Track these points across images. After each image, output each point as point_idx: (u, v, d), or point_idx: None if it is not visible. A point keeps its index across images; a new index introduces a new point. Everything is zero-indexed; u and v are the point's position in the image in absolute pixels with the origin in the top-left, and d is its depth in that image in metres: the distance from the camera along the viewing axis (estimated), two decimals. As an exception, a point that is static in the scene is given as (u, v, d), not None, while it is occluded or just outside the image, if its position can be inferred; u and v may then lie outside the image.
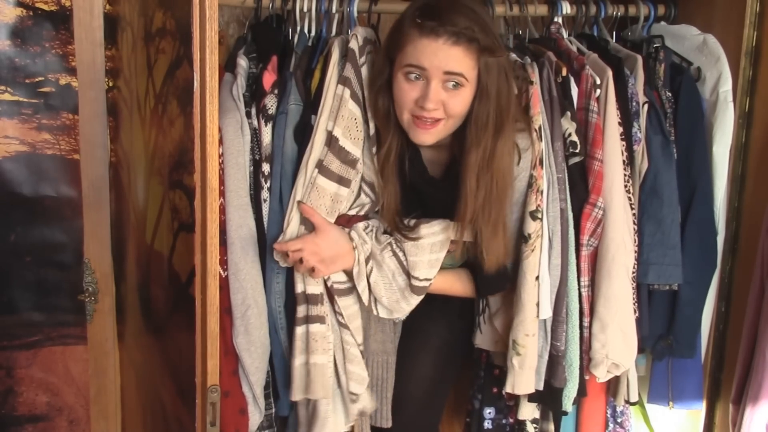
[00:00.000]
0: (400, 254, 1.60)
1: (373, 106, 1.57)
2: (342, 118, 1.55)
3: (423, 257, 1.60)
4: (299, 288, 1.59)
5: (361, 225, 1.61)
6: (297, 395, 1.62)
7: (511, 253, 1.61)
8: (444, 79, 1.47)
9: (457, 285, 1.68)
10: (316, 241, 1.54)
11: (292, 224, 1.57)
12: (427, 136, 1.53)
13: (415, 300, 1.62)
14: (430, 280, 1.61)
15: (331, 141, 1.55)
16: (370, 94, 1.57)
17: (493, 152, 1.52)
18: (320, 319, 1.59)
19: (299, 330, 1.59)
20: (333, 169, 1.56)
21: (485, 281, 1.64)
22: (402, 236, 1.61)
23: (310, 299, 1.59)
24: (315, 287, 1.59)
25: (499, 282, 1.65)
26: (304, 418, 1.67)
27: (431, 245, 1.60)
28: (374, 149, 1.60)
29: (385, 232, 1.63)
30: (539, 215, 1.58)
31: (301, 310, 1.59)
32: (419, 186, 1.64)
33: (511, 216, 1.60)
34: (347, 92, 1.56)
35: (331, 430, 1.65)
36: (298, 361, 1.60)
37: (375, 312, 1.63)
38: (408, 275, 1.60)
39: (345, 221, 1.61)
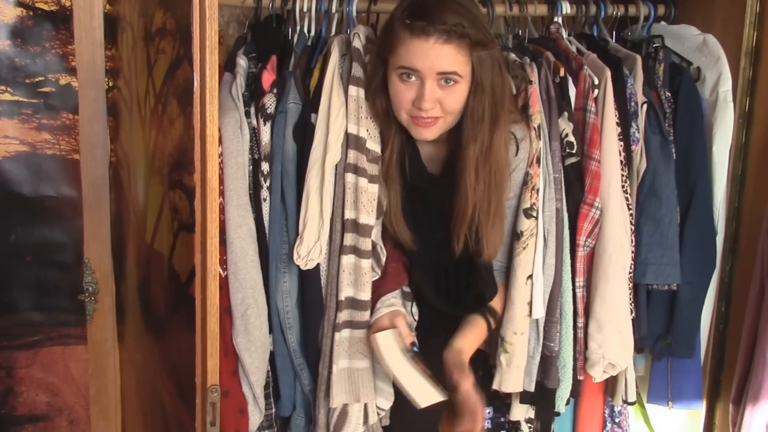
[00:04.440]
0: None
1: (373, 107, 1.57)
2: (362, 119, 1.56)
3: None
4: (346, 293, 1.58)
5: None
6: (339, 400, 1.59)
7: (506, 246, 1.63)
8: (438, 78, 1.47)
9: (480, 326, 1.65)
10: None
11: (310, 226, 1.55)
12: (427, 132, 1.53)
13: None
14: None
15: (358, 143, 1.55)
16: (368, 96, 1.57)
17: (490, 145, 1.53)
18: (367, 325, 1.59)
19: (341, 335, 1.58)
20: (367, 170, 1.56)
21: (488, 286, 1.64)
22: None
23: (359, 305, 1.58)
24: (365, 294, 1.58)
25: (491, 278, 1.65)
26: (323, 422, 1.64)
27: None
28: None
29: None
30: (534, 213, 1.59)
31: (342, 316, 1.58)
32: (419, 184, 1.64)
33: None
34: (362, 92, 1.56)
35: None
36: (339, 365, 1.58)
37: None
38: None
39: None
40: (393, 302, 1.61)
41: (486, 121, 1.52)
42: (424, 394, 1.50)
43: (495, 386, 1.67)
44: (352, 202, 1.56)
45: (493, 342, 1.71)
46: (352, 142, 1.55)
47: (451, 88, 1.48)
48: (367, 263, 1.57)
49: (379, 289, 1.62)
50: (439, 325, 1.68)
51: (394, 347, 1.53)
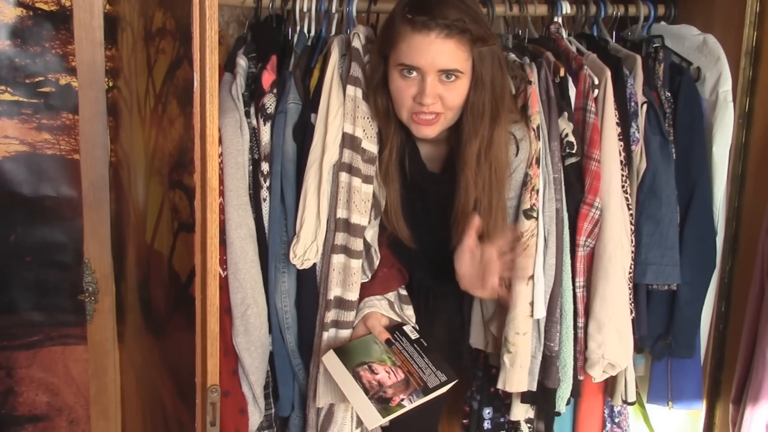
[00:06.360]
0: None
1: (373, 105, 1.57)
2: (359, 118, 1.56)
3: None
4: (334, 293, 1.58)
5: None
6: (324, 400, 1.60)
7: None
8: (439, 74, 1.47)
9: None
10: None
11: (306, 225, 1.56)
12: (428, 130, 1.53)
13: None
14: None
15: (353, 143, 1.55)
16: (368, 94, 1.57)
17: (490, 141, 1.53)
18: (352, 326, 1.59)
19: (328, 334, 1.58)
20: (362, 170, 1.56)
21: None
22: None
23: (346, 305, 1.58)
24: (352, 294, 1.58)
25: None
26: (313, 422, 1.65)
27: None
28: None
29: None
30: (534, 214, 1.59)
31: (330, 315, 1.58)
32: (419, 182, 1.64)
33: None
34: (359, 92, 1.56)
35: None
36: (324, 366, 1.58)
37: None
38: None
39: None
40: (374, 303, 1.61)
41: (486, 117, 1.52)
42: (369, 414, 1.46)
43: (499, 386, 1.67)
44: (345, 202, 1.56)
45: (497, 343, 1.72)
46: (347, 141, 1.55)
47: (452, 84, 1.48)
48: (357, 263, 1.57)
49: (364, 291, 1.61)
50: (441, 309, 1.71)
51: (340, 367, 1.51)
